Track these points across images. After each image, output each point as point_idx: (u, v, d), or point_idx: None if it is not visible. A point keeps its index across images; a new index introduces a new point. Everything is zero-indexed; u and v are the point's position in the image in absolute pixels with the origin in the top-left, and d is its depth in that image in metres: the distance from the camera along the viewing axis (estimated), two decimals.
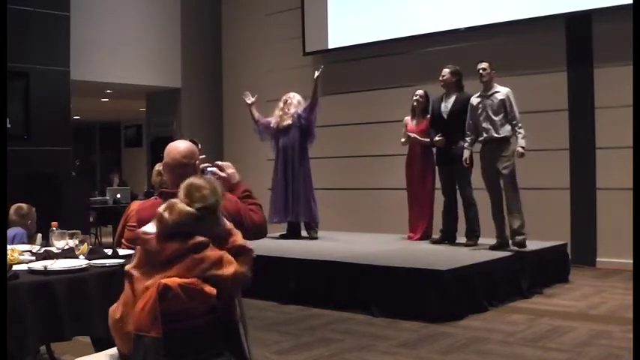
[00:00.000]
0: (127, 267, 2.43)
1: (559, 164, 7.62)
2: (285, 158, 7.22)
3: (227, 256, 2.41)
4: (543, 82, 7.64)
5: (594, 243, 7.45)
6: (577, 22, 7.60)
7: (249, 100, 7.43)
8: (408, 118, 7.18)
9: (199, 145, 3.23)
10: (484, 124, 6.20)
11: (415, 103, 7.07)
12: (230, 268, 2.39)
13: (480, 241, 6.48)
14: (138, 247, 2.46)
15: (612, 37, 7.21)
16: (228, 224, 2.56)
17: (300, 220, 7.30)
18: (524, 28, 7.83)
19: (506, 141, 6.14)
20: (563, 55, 7.68)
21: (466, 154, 6.34)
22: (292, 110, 7.19)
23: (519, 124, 6.11)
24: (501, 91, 6.17)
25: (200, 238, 2.38)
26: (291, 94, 7.35)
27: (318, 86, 7.15)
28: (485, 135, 6.22)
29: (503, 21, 7.94)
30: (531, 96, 7.20)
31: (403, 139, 7.15)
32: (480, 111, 6.23)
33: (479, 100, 6.26)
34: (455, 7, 8.35)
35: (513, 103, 6.13)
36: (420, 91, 7.14)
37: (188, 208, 2.39)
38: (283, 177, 7.22)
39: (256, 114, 7.45)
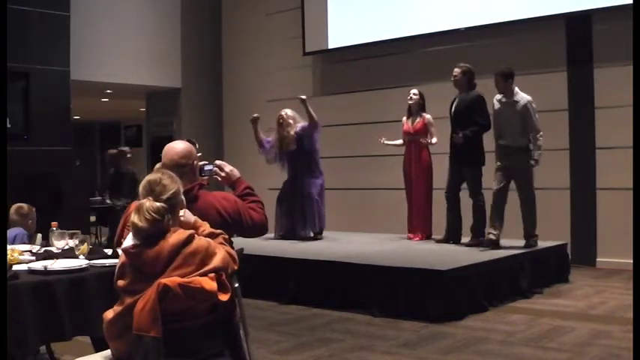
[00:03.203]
0: (120, 284, 2.42)
1: (559, 164, 7.62)
2: (294, 177, 7.27)
3: (212, 242, 2.46)
4: (543, 82, 7.63)
5: (594, 243, 7.45)
6: (577, 22, 7.60)
7: (255, 115, 7.32)
8: (404, 119, 7.20)
9: (197, 144, 3.24)
10: (504, 130, 6.27)
11: (411, 102, 7.08)
12: (220, 253, 2.43)
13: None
14: (122, 262, 2.45)
15: (612, 37, 7.21)
16: (193, 217, 2.59)
17: (305, 235, 7.30)
18: (524, 28, 7.82)
19: (523, 151, 6.17)
20: (563, 55, 7.68)
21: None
22: (292, 132, 7.14)
23: (537, 135, 6.12)
24: (521, 100, 6.20)
25: (186, 232, 2.41)
26: (283, 113, 7.23)
27: (309, 108, 7.08)
28: (503, 141, 6.27)
29: (503, 21, 7.93)
30: (531, 96, 7.18)
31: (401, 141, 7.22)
32: (500, 117, 6.29)
33: (499, 105, 6.33)
34: (455, 7, 8.35)
35: (532, 113, 6.16)
36: (414, 90, 7.14)
37: (157, 204, 2.41)
38: (291, 195, 7.24)
39: (260, 134, 7.34)
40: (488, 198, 6.43)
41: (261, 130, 7.34)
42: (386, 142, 7.27)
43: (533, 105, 6.22)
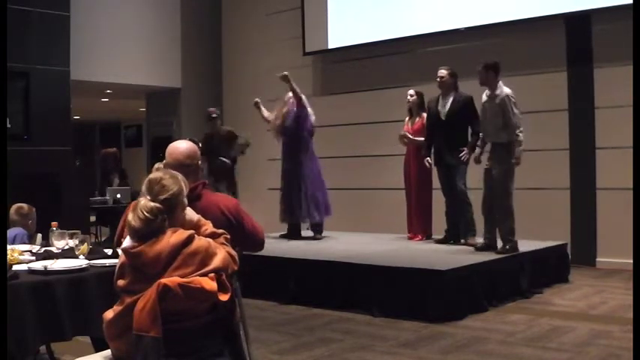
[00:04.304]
0: (120, 284, 2.42)
1: (559, 164, 7.62)
2: (288, 159, 7.24)
3: (212, 242, 2.45)
4: (543, 82, 7.64)
5: (594, 243, 7.45)
6: (577, 22, 7.60)
7: (256, 99, 7.44)
8: (407, 119, 7.22)
9: (199, 144, 3.23)
10: (487, 127, 6.11)
11: (408, 103, 7.10)
12: (220, 254, 2.42)
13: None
14: (122, 262, 2.45)
15: (612, 37, 7.21)
16: (196, 216, 2.58)
17: (304, 221, 7.30)
18: (524, 28, 7.82)
19: (503, 147, 5.96)
20: (563, 55, 7.68)
21: (476, 152, 6.23)
22: (285, 109, 7.20)
23: (517, 130, 5.87)
24: (501, 94, 5.99)
25: (186, 233, 2.40)
26: (286, 97, 7.32)
27: (290, 83, 7.14)
28: (488, 138, 6.15)
29: (503, 21, 7.93)
30: (531, 96, 7.20)
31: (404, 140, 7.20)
32: (485, 113, 6.12)
33: (485, 99, 6.13)
34: (455, 7, 8.35)
35: (511, 106, 5.91)
36: (411, 91, 7.15)
37: (151, 204, 2.41)
38: (287, 178, 7.24)
39: (266, 113, 7.43)
40: (478, 197, 6.40)
41: (265, 110, 7.45)
42: (409, 135, 7.10)
43: (513, 99, 5.95)
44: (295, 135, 7.17)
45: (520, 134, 5.92)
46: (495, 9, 8.02)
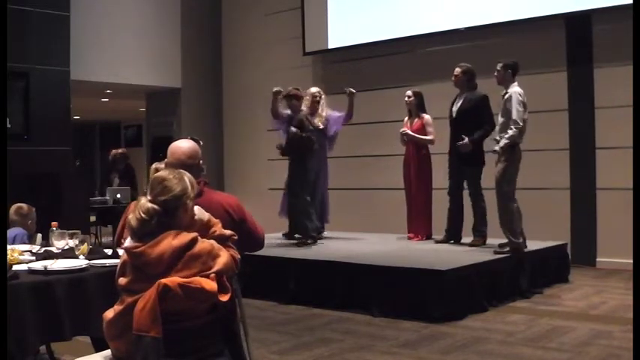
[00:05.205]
0: (121, 282, 2.41)
1: (559, 164, 7.62)
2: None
3: (216, 244, 2.44)
4: (543, 82, 7.64)
5: (594, 243, 7.45)
6: (577, 22, 7.60)
7: (279, 88, 7.22)
8: (406, 119, 7.22)
9: (201, 142, 3.21)
10: (498, 126, 6.12)
11: (407, 104, 7.10)
12: (223, 256, 2.42)
13: (487, 241, 6.43)
14: (123, 261, 2.45)
15: (612, 37, 7.21)
16: (206, 215, 2.57)
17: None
18: (524, 28, 7.82)
19: (507, 146, 5.94)
20: (563, 55, 7.68)
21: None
22: (324, 113, 7.18)
23: (513, 126, 5.87)
24: (509, 92, 6.01)
25: (190, 235, 2.38)
26: (316, 92, 7.24)
27: (353, 102, 7.19)
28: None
29: (503, 21, 7.93)
30: (531, 96, 7.17)
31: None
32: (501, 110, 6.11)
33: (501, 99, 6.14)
34: (455, 7, 8.35)
35: (514, 104, 5.92)
36: (409, 92, 7.15)
37: (148, 205, 2.39)
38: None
39: (279, 106, 7.25)
40: (488, 198, 6.42)
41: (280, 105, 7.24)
42: (409, 132, 7.07)
43: (520, 97, 5.96)
44: (322, 141, 7.18)
45: (513, 128, 5.88)
46: (495, 9, 8.02)
